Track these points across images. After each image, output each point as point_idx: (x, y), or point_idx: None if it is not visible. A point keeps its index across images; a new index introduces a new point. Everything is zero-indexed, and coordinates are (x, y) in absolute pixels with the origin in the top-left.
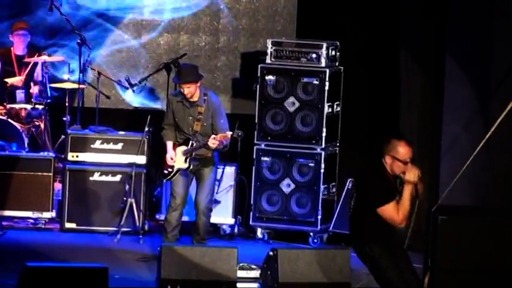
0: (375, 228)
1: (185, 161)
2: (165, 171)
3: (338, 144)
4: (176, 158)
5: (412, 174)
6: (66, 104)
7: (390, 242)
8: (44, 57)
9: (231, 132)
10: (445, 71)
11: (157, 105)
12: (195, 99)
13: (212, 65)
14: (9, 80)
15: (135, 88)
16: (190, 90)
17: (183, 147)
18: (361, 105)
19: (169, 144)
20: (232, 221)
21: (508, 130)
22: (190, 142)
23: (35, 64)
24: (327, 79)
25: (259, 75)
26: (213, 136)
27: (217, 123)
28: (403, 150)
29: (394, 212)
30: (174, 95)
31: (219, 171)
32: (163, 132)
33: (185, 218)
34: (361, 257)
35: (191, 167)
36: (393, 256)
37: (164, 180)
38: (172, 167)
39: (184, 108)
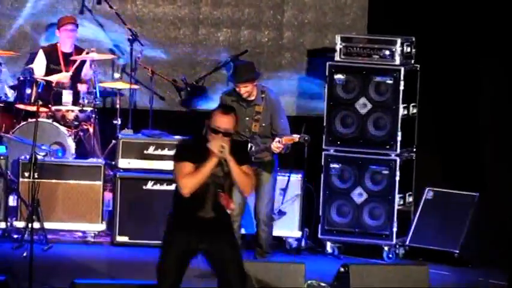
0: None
1: None
2: None
3: (414, 149)
4: None
5: (214, 144)
6: (117, 106)
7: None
8: (93, 55)
9: (297, 136)
10: None
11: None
12: (252, 98)
13: (275, 63)
14: (55, 77)
15: (191, 88)
16: (248, 89)
17: None
18: (440, 106)
19: None
20: (298, 234)
21: None
22: (249, 145)
23: (83, 62)
24: (401, 78)
25: (327, 74)
26: (277, 139)
27: (277, 123)
28: (215, 117)
29: (179, 172)
30: (227, 93)
31: (284, 179)
32: None
33: (244, 231)
34: None
35: None
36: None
37: None
38: None
39: (240, 108)
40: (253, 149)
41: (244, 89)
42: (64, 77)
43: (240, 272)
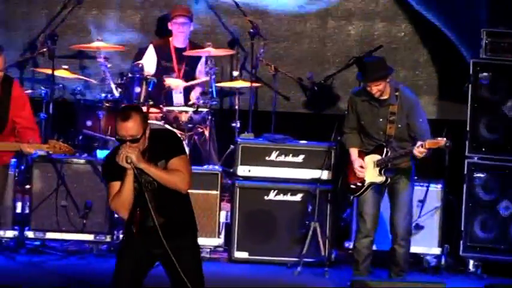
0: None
1: (379, 173)
2: (353, 186)
3: None
4: (367, 169)
5: (120, 157)
6: (236, 107)
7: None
8: (209, 50)
9: (443, 139)
10: None
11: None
12: (385, 96)
13: (413, 60)
14: (167, 81)
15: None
16: (379, 88)
17: (376, 156)
18: None
19: (355, 151)
20: (438, 250)
21: None
22: (385, 150)
23: (198, 58)
24: None
25: (471, 72)
26: (419, 143)
27: (416, 124)
28: (116, 126)
29: (108, 194)
30: (356, 93)
31: (422, 190)
32: (345, 138)
33: (374, 247)
34: None
35: (388, 180)
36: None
37: (351, 197)
38: (361, 180)
39: (372, 109)
40: (389, 154)
41: (376, 88)
42: (177, 85)
43: (197, 282)
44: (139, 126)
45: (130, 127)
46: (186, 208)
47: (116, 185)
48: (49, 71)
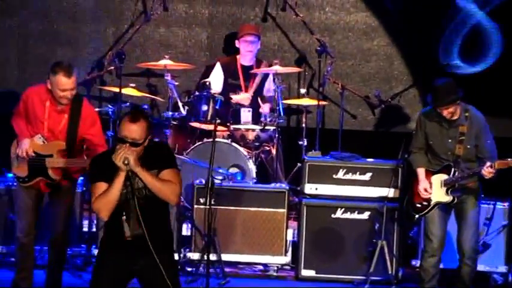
0: None
1: (447, 192)
2: (418, 205)
3: None
4: (433, 189)
5: (117, 156)
6: (303, 125)
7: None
8: (277, 68)
9: None
10: None
11: (413, 127)
12: (455, 117)
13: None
14: (234, 97)
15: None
16: (450, 110)
17: (443, 176)
18: None
19: (422, 172)
20: (504, 268)
21: None
22: (453, 169)
23: (265, 76)
24: None
25: None
26: (488, 163)
27: (484, 145)
28: (122, 126)
29: (92, 194)
30: (425, 113)
31: (489, 208)
32: (412, 157)
33: (441, 265)
34: None
35: (455, 200)
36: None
37: (416, 216)
38: (427, 199)
39: (441, 130)
40: (456, 174)
41: (447, 111)
42: (244, 99)
43: None
44: (144, 132)
45: (135, 130)
46: (166, 224)
47: (102, 185)
48: (116, 89)
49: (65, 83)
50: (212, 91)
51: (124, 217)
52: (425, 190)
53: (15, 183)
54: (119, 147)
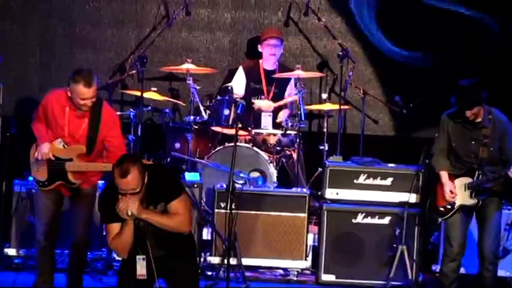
0: None
1: (471, 195)
2: (442, 208)
3: None
4: (457, 191)
5: (120, 209)
6: (324, 130)
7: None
8: (299, 73)
9: None
10: None
11: (434, 132)
12: (479, 119)
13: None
14: (257, 103)
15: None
16: (474, 111)
17: (467, 179)
18: None
19: (445, 174)
20: None
21: None
22: (477, 173)
23: (287, 81)
24: None
25: None
26: None
27: (508, 147)
28: (115, 179)
29: (108, 235)
30: (449, 115)
31: (510, 213)
32: (434, 160)
33: (462, 270)
34: None
35: (479, 203)
36: None
37: (439, 219)
38: (450, 203)
39: (464, 132)
40: (480, 177)
41: (470, 112)
42: (267, 106)
43: None
44: (139, 179)
45: (130, 182)
46: (184, 236)
47: (114, 226)
48: (138, 93)
49: (85, 93)
50: (234, 95)
51: (140, 256)
52: (452, 192)
53: (35, 187)
54: (120, 197)
